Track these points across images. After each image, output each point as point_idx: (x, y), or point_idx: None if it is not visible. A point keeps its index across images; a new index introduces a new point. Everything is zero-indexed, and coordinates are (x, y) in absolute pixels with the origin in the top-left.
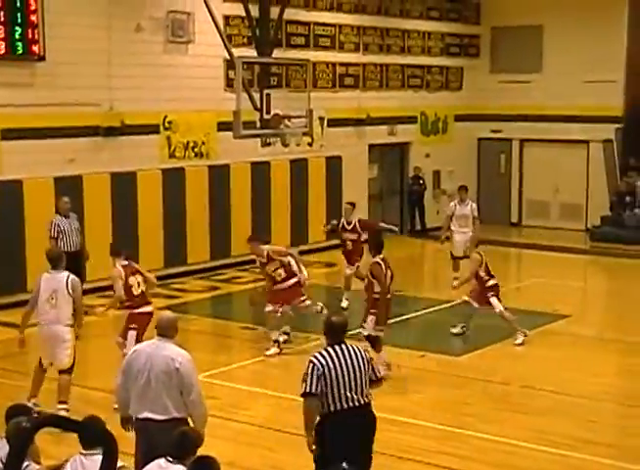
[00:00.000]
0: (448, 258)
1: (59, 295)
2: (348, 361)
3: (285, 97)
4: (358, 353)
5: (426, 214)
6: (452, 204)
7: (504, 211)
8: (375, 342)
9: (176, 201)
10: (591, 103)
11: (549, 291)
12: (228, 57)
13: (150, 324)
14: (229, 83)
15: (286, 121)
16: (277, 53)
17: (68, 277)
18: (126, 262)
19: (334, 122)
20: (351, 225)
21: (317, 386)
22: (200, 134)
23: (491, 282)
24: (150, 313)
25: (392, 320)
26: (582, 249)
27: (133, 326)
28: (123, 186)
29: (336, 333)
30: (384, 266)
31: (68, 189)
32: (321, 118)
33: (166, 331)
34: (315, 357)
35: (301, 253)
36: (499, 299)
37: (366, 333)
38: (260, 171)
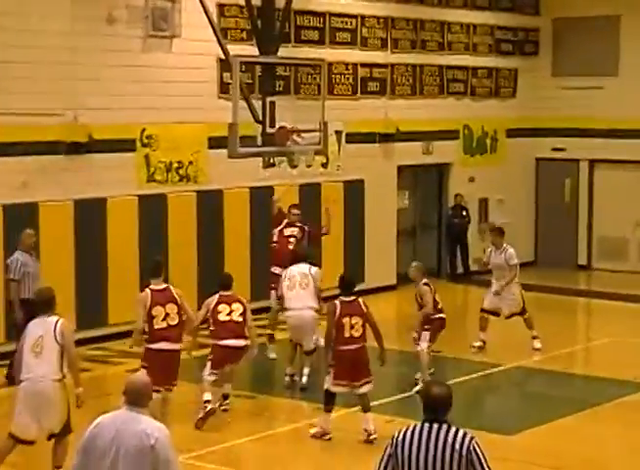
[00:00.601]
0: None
1: (45, 342)
2: (431, 448)
3: (293, 106)
4: (450, 441)
5: (470, 254)
6: (488, 250)
7: (569, 251)
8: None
9: (156, 235)
10: None
11: (627, 353)
12: (222, 56)
13: (168, 365)
14: (224, 89)
15: (294, 137)
16: (284, 51)
17: (58, 322)
18: (162, 286)
19: (354, 138)
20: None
21: (385, 467)
22: (186, 152)
23: (437, 316)
24: (169, 351)
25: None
26: None
27: (144, 364)
28: (90, 216)
29: (429, 408)
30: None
31: (20, 220)
32: (338, 133)
33: (138, 399)
34: (396, 432)
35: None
36: (433, 338)
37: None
38: (262, 199)
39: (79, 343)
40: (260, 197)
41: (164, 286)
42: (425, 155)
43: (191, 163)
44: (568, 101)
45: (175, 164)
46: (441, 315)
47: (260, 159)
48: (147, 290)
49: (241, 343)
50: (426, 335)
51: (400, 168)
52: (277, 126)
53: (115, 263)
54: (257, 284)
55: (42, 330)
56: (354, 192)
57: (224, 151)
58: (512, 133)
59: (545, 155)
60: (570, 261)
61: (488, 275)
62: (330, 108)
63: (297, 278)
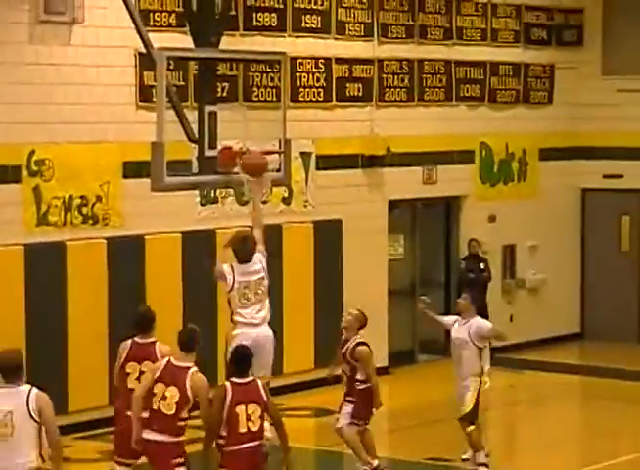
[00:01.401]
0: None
1: (17, 420)
2: None
3: (243, 119)
4: None
5: (492, 322)
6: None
7: (629, 319)
8: None
9: (51, 297)
10: None
11: None
12: (143, 48)
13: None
14: (144, 95)
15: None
16: (228, 42)
17: (30, 392)
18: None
19: (328, 162)
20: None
21: None
22: (92, 184)
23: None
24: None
25: None
26: None
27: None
28: None
29: None
30: None
31: None
32: (305, 155)
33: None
34: None
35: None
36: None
37: None
38: (198, 249)
39: None
40: (197, 246)
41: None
42: (426, 185)
43: (99, 198)
44: (624, 109)
45: (77, 200)
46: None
47: (197, 192)
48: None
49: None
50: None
51: (393, 204)
52: (220, 147)
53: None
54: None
55: (11, 404)
56: (328, 237)
57: (146, 181)
58: (547, 154)
59: (594, 184)
60: (629, 333)
61: (519, 352)
62: (294, 120)
63: None
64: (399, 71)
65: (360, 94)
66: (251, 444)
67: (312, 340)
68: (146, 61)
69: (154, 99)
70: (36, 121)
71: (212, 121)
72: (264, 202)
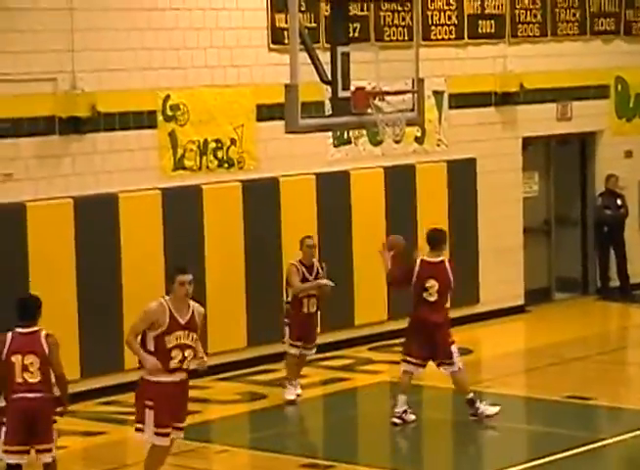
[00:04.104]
0: None
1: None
2: None
3: (374, 59)
4: None
5: (628, 260)
6: None
7: None
8: None
9: (189, 242)
10: None
11: None
12: None
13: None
14: (276, 37)
15: (377, 102)
16: None
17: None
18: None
19: (461, 101)
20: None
21: None
22: (227, 127)
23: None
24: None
25: (576, 449)
26: None
27: None
28: (97, 218)
29: None
30: None
31: (1, 224)
32: (438, 94)
33: None
34: None
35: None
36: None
37: None
38: (333, 189)
39: None
40: (331, 186)
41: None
42: (561, 121)
43: (233, 141)
44: None
45: (212, 145)
46: None
47: (330, 134)
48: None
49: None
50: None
51: (527, 141)
52: (353, 88)
53: (132, 278)
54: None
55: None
56: (463, 176)
57: (280, 123)
58: None
59: None
60: None
61: None
62: (426, 59)
63: None
64: (532, 7)
65: (492, 31)
66: (27, 395)
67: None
68: (278, 3)
69: (286, 41)
70: (170, 66)
71: (345, 62)
72: (398, 141)
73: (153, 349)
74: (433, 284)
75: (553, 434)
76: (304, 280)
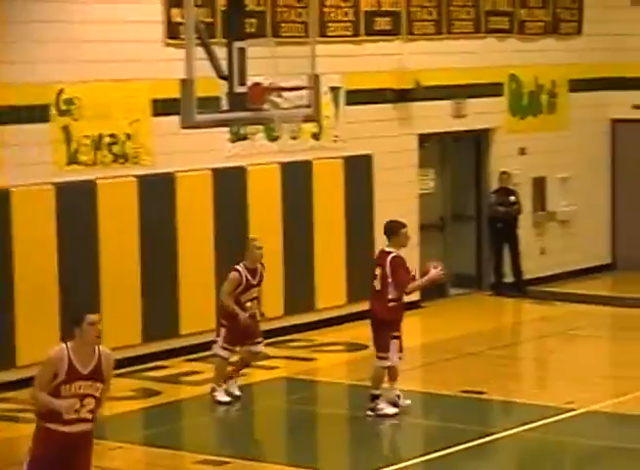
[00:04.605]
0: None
1: None
2: None
3: (271, 54)
4: None
5: (521, 255)
6: None
7: None
8: None
9: (82, 237)
10: None
11: None
12: None
13: None
14: (172, 32)
15: (274, 98)
16: None
17: None
18: None
19: (357, 97)
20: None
21: None
22: (122, 122)
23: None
24: None
25: (466, 444)
26: None
27: None
28: None
29: None
30: None
31: None
32: (334, 90)
33: None
34: None
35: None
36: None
37: None
38: (230, 185)
39: None
40: (228, 182)
41: None
42: (456, 119)
43: (129, 136)
44: None
45: (107, 139)
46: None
47: (227, 129)
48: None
49: None
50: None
51: (423, 138)
52: (249, 83)
53: (24, 275)
54: None
55: None
56: (359, 172)
57: (175, 119)
58: (577, 86)
59: (624, 115)
60: None
61: (550, 284)
62: (323, 55)
63: None
64: (428, 4)
65: (389, 28)
66: None
67: (344, 276)
68: None
69: (182, 36)
70: (64, 60)
71: (241, 58)
72: (294, 137)
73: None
74: (378, 272)
75: (448, 428)
76: (247, 285)
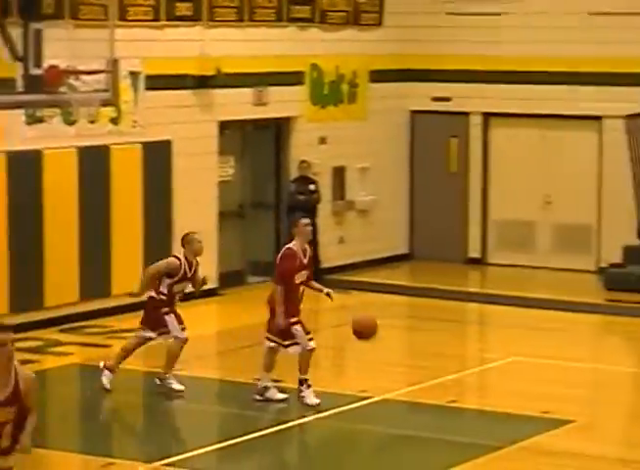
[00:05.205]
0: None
1: None
2: None
3: (69, 37)
4: None
5: (320, 244)
6: None
7: (456, 240)
8: None
9: None
10: (610, 53)
11: (533, 378)
12: None
13: None
14: None
15: (71, 80)
16: None
17: None
18: None
19: (158, 82)
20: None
21: None
22: None
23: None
24: None
25: (260, 432)
26: (592, 303)
27: None
28: None
29: None
30: None
31: None
32: (134, 75)
33: None
34: None
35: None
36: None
37: None
38: (24, 170)
39: None
40: (24, 165)
41: None
42: (257, 106)
43: None
44: (455, 32)
45: None
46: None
47: (23, 111)
48: None
49: None
50: None
51: (223, 125)
52: (46, 66)
53: None
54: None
55: None
56: (158, 158)
57: None
58: (377, 76)
59: (423, 107)
60: (456, 254)
61: (348, 273)
62: (122, 40)
63: None
64: None
65: (190, 13)
66: None
67: (141, 262)
68: None
69: None
70: None
71: (37, 39)
72: (92, 122)
73: None
74: None
75: (242, 416)
76: (183, 277)
